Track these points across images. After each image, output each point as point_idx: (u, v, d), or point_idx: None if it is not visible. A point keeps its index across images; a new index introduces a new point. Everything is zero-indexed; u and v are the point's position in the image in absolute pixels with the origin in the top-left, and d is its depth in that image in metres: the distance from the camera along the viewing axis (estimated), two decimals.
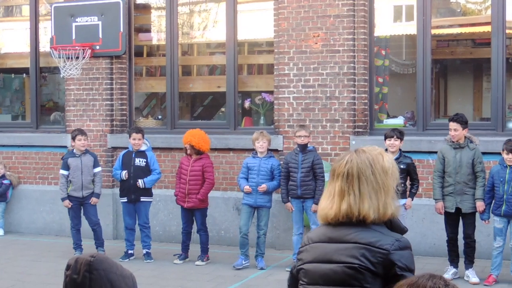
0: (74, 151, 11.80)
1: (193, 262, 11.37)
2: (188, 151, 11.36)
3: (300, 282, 3.64)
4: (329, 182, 3.69)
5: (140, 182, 11.55)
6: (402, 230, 3.62)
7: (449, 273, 10.09)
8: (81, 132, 11.84)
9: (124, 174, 11.60)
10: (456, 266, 10.26)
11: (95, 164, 11.87)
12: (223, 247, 12.41)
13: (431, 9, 12.15)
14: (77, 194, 11.68)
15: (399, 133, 10.28)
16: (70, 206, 11.68)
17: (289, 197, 11.02)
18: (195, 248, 11.55)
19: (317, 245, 3.59)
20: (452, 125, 10.16)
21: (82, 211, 11.85)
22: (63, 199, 11.74)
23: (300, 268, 3.64)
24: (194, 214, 11.47)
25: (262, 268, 10.90)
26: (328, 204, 3.59)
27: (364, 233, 3.48)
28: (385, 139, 10.32)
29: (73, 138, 11.75)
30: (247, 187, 11.02)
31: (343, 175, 3.57)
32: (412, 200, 10.40)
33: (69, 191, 11.70)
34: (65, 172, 11.74)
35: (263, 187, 10.98)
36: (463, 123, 10.16)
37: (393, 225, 3.58)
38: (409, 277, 2.72)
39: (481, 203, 10.04)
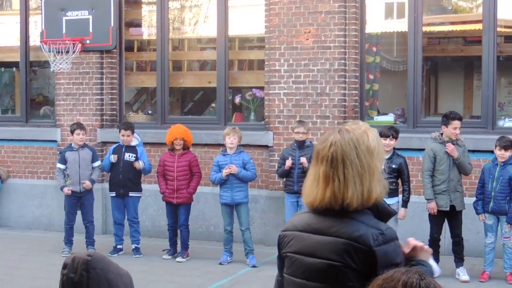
0: (72, 145, 11.76)
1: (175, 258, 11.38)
2: (177, 147, 11.33)
3: (285, 271, 3.53)
4: (312, 165, 3.52)
5: (140, 163, 11.53)
6: (390, 214, 3.47)
7: None
8: (80, 126, 11.80)
9: (114, 157, 11.56)
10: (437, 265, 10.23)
11: (94, 159, 11.83)
12: (213, 243, 12.39)
13: (423, 6, 12.16)
14: (74, 189, 11.63)
15: (395, 132, 10.21)
16: (70, 192, 11.57)
17: (285, 192, 11.02)
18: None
19: (301, 234, 3.46)
20: (458, 123, 10.12)
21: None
22: (62, 188, 11.64)
23: (285, 255, 3.53)
24: (178, 210, 11.45)
25: (254, 266, 10.86)
26: (313, 190, 3.44)
27: (347, 226, 3.33)
28: (380, 137, 10.27)
29: (72, 132, 11.69)
30: (225, 170, 10.93)
31: (327, 159, 3.41)
32: (406, 208, 10.30)
33: (67, 186, 11.65)
34: (61, 166, 11.70)
35: (234, 168, 10.91)
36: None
37: (380, 210, 3.43)
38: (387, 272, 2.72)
39: None
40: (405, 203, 10.24)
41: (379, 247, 3.28)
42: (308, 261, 3.40)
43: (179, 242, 11.54)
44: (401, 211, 10.18)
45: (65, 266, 2.86)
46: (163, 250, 11.57)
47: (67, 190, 11.57)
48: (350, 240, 3.30)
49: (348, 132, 3.46)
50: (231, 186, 11.00)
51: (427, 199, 10.22)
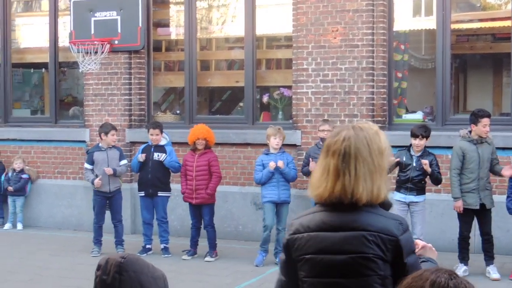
0: (100, 145, 11.80)
1: (203, 258, 11.35)
2: (199, 147, 11.33)
3: (303, 274, 3.49)
4: (321, 158, 3.52)
5: (162, 156, 11.56)
6: (390, 205, 3.56)
7: (460, 271, 9.99)
8: (114, 127, 11.87)
9: (141, 156, 11.60)
10: (466, 264, 10.19)
11: (121, 157, 11.88)
12: (241, 242, 12.40)
13: (451, 3, 12.08)
14: (104, 189, 11.67)
15: (424, 132, 10.16)
16: (101, 183, 11.57)
17: None
18: (201, 244, 11.55)
19: (318, 234, 3.45)
20: (488, 121, 10.05)
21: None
22: (92, 181, 11.62)
23: (300, 259, 3.49)
24: (201, 211, 11.45)
25: None
26: (322, 182, 3.45)
27: (368, 219, 3.39)
28: (411, 136, 10.23)
29: (106, 133, 11.66)
30: (272, 163, 10.91)
31: (339, 153, 3.43)
32: (430, 174, 10.23)
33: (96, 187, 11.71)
34: (89, 166, 11.74)
35: (281, 162, 10.89)
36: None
37: (383, 202, 3.50)
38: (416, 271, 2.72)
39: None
40: (435, 176, 10.21)
41: (402, 235, 3.39)
42: (337, 259, 3.39)
43: (201, 242, 11.51)
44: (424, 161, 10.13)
45: (98, 268, 2.87)
46: (182, 251, 11.56)
47: (98, 180, 11.56)
48: (377, 232, 3.36)
49: (361, 129, 3.50)
50: (277, 184, 11.00)
51: (454, 198, 10.15)
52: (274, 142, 11.08)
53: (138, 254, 11.14)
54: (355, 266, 3.36)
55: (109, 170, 11.56)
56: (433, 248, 3.69)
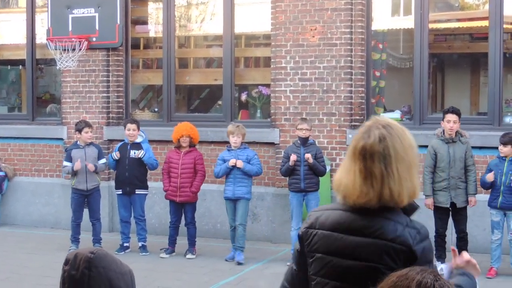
0: (78, 142, 11.74)
1: (181, 256, 11.35)
2: (184, 144, 11.33)
3: (312, 272, 3.39)
4: (352, 161, 3.33)
5: (140, 153, 11.54)
6: (415, 208, 3.36)
7: (437, 269, 10.05)
8: (88, 124, 11.80)
9: (115, 154, 11.56)
10: (443, 262, 10.25)
11: (100, 156, 11.81)
12: (219, 240, 12.39)
13: (429, 3, 12.13)
14: (81, 187, 11.62)
15: None
16: (80, 165, 11.44)
17: (290, 191, 11.00)
18: (179, 242, 11.55)
19: (331, 234, 3.33)
20: (452, 116, 10.11)
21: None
22: (72, 168, 11.51)
23: (311, 255, 3.38)
24: (184, 208, 11.46)
25: (240, 263, 10.82)
26: (368, 189, 3.25)
27: (384, 226, 3.24)
28: None
29: (80, 130, 11.62)
30: (232, 160, 10.96)
31: (379, 156, 3.26)
32: None
33: (73, 184, 11.64)
34: (67, 164, 11.68)
35: (240, 163, 10.93)
36: (460, 115, 10.18)
37: (408, 206, 3.34)
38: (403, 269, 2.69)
39: (474, 199, 10.07)
40: None
41: (418, 245, 3.23)
42: (346, 264, 3.28)
43: (178, 240, 11.52)
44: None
45: (67, 262, 2.81)
46: (160, 249, 11.54)
47: (78, 163, 11.46)
48: (390, 242, 3.22)
49: (390, 127, 3.34)
50: (233, 180, 11.02)
51: (426, 195, 10.22)
52: (233, 140, 11.13)
53: (116, 252, 11.20)
54: (363, 274, 3.23)
55: (92, 166, 11.51)
56: (477, 266, 3.42)
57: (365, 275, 3.20)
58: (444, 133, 10.18)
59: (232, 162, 10.96)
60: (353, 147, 3.35)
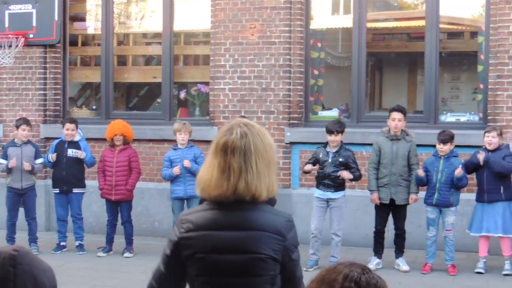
0: (16, 140, 11.58)
1: (119, 254, 11.30)
2: (117, 143, 11.26)
3: (194, 273, 3.44)
4: (216, 157, 3.45)
5: (81, 154, 11.41)
6: (275, 201, 3.63)
7: (372, 264, 10.20)
8: (26, 121, 11.63)
9: (51, 156, 11.44)
10: (380, 257, 10.38)
11: (37, 155, 11.65)
12: (157, 239, 12.32)
13: (367, 2, 12.24)
14: (16, 185, 11.45)
15: (339, 127, 10.28)
16: (15, 164, 11.30)
17: None
18: (116, 240, 11.50)
19: (208, 233, 3.40)
20: (397, 115, 10.23)
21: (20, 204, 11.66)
22: (6, 165, 11.37)
23: (191, 257, 3.43)
24: (120, 207, 11.40)
25: None
26: (224, 181, 3.40)
27: (259, 218, 3.41)
28: (326, 132, 10.32)
29: (17, 127, 11.50)
30: (176, 169, 10.89)
31: (240, 150, 3.40)
32: (355, 179, 10.43)
33: (8, 182, 11.48)
34: (3, 161, 11.52)
35: (187, 162, 10.90)
36: (405, 114, 10.31)
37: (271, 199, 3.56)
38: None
39: (415, 197, 10.20)
40: (355, 177, 10.35)
41: (289, 234, 3.44)
42: (230, 258, 3.38)
43: (115, 239, 11.46)
44: (345, 173, 10.21)
45: None
46: (98, 248, 11.46)
47: (13, 160, 11.29)
48: (268, 232, 3.39)
49: (252, 126, 3.51)
50: (184, 180, 10.97)
51: (370, 190, 10.37)
52: (180, 138, 11.07)
53: (53, 251, 11.08)
54: (246, 266, 3.36)
55: (28, 165, 11.35)
56: None
57: (250, 266, 3.36)
58: (390, 131, 10.30)
59: (176, 171, 10.88)
60: (215, 144, 3.50)
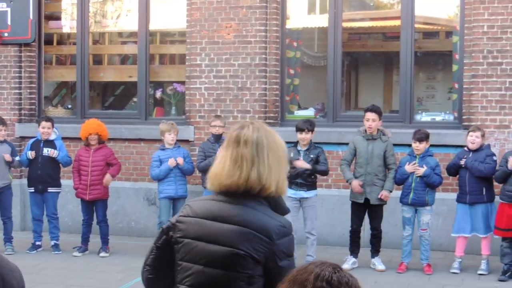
0: None
1: (94, 254, 11.25)
2: (92, 142, 11.23)
3: (179, 257, 3.53)
4: (227, 148, 3.54)
5: (54, 153, 11.35)
6: (285, 211, 3.59)
7: (348, 263, 10.24)
8: (1, 121, 11.54)
9: (31, 153, 11.36)
10: (356, 256, 10.42)
11: (13, 154, 11.54)
12: (134, 238, 12.32)
13: (343, 2, 12.27)
14: None
15: (310, 125, 10.32)
16: None
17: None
18: (92, 240, 11.48)
19: (202, 221, 3.48)
20: (370, 115, 10.25)
21: None
22: None
23: (180, 240, 3.53)
24: (95, 206, 11.36)
25: None
26: (236, 171, 3.46)
27: (251, 215, 3.42)
28: (296, 131, 10.34)
29: None
30: (171, 160, 10.88)
31: (252, 142, 3.48)
32: (317, 172, 10.38)
33: None
34: None
35: (180, 159, 10.89)
36: (380, 114, 10.33)
37: (278, 204, 3.55)
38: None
39: (386, 193, 10.21)
40: (318, 171, 10.32)
41: (279, 240, 3.40)
42: (210, 248, 3.43)
43: (91, 239, 11.43)
44: (300, 162, 10.20)
45: None
46: (73, 248, 11.41)
47: None
48: (254, 230, 3.38)
49: (263, 125, 3.60)
50: (175, 179, 10.97)
51: (348, 180, 10.37)
52: (169, 138, 11.05)
53: (28, 251, 11.04)
54: (224, 259, 3.38)
55: (8, 157, 11.28)
56: None
57: (227, 260, 3.38)
58: (366, 131, 10.34)
59: (171, 162, 10.88)
60: (227, 138, 3.58)
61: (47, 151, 11.40)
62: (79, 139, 12.17)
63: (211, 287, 3.43)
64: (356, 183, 10.23)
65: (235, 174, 3.45)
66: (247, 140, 3.49)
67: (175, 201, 11.05)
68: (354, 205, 10.41)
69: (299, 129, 10.27)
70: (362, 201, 10.28)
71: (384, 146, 10.27)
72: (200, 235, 3.47)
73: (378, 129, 10.33)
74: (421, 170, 10.05)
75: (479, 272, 10.03)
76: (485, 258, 10.12)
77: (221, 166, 3.51)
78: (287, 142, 11.09)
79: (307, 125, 10.29)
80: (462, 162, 10.03)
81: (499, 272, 9.88)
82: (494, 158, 10.12)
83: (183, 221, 3.55)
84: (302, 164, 10.17)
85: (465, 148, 10.23)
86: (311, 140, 10.36)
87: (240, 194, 3.47)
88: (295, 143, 10.40)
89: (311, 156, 10.22)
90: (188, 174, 11.20)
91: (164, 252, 3.62)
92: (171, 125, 11.13)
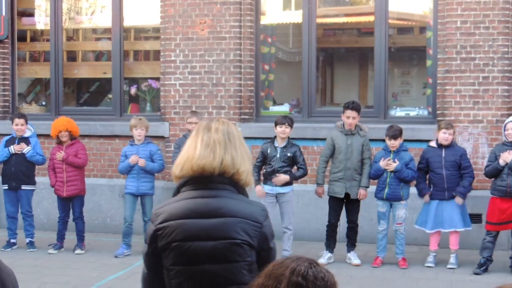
0: None
1: (70, 251, 11.21)
2: (63, 139, 11.17)
3: (170, 263, 3.50)
4: (199, 135, 3.62)
5: (25, 149, 11.29)
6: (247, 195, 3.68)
7: (324, 258, 10.27)
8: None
9: (13, 148, 11.29)
10: (331, 251, 10.44)
11: None
12: (109, 235, 12.28)
13: None
14: None
15: (290, 121, 10.33)
16: None
17: None
18: (67, 237, 11.42)
19: (183, 221, 3.47)
20: (351, 113, 10.24)
21: None
22: None
23: (167, 246, 3.49)
24: (72, 203, 11.32)
25: None
26: (209, 154, 3.52)
27: (235, 205, 3.49)
28: (275, 126, 10.33)
29: None
30: (133, 157, 10.87)
31: (223, 130, 3.58)
32: (293, 180, 10.45)
33: None
34: None
35: (142, 161, 10.88)
36: (360, 111, 10.35)
37: (244, 194, 3.63)
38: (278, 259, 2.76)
39: (364, 192, 10.26)
40: (294, 177, 10.38)
41: (265, 221, 3.53)
42: (206, 245, 3.43)
43: (66, 236, 11.37)
44: (281, 177, 10.25)
45: None
46: (49, 245, 11.36)
47: None
48: (243, 218, 3.46)
49: (228, 123, 3.71)
50: (137, 176, 10.94)
51: (318, 183, 10.43)
52: (136, 133, 11.03)
53: (3, 249, 10.97)
54: (223, 252, 3.42)
55: None
56: None
57: (228, 252, 3.42)
58: (344, 126, 10.35)
59: (133, 160, 10.88)
60: (197, 127, 3.67)
61: (13, 148, 11.28)
62: None
63: (216, 285, 3.44)
64: (320, 190, 10.38)
65: (209, 156, 3.51)
66: (218, 128, 3.59)
67: (141, 198, 11.04)
68: (333, 199, 10.42)
69: (279, 123, 10.26)
70: (342, 196, 10.29)
71: (362, 141, 10.30)
72: (189, 235, 3.45)
73: (356, 124, 10.35)
74: (393, 165, 10.09)
75: (449, 266, 10.08)
76: (454, 252, 10.18)
77: (192, 150, 3.56)
78: (263, 138, 11.17)
79: (288, 120, 10.30)
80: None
81: (473, 266, 9.94)
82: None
83: (163, 227, 3.51)
84: (282, 180, 10.22)
85: (431, 144, 10.27)
86: (288, 136, 10.36)
87: (210, 184, 3.50)
88: (272, 139, 10.40)
89: (288, 154, 10.22)
90: (155, 172, 11.15)
91: (155, 268, 3.62)
92: (138, 120, 11.08)
